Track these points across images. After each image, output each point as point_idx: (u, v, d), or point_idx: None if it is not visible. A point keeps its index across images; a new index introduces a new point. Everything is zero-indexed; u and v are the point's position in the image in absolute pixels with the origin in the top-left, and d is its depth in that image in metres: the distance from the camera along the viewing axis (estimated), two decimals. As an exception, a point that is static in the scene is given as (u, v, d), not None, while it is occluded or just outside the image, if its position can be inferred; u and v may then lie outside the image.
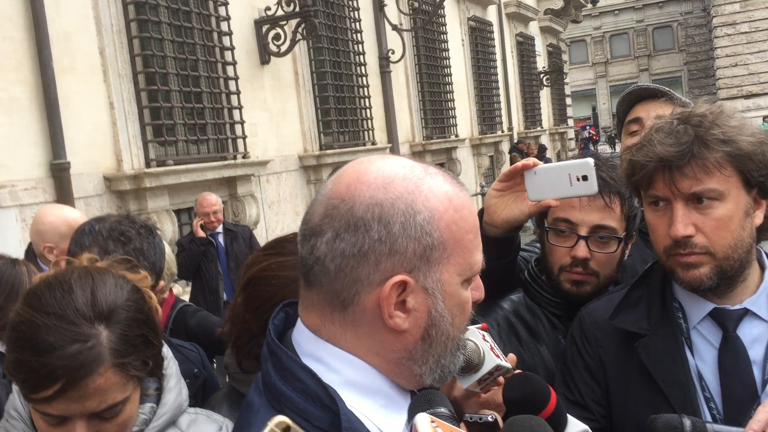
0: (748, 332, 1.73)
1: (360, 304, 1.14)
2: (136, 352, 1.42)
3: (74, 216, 3.62)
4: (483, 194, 14.34)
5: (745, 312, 1.75)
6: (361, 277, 1.12)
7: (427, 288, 1.14)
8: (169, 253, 3.40)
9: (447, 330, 1.17)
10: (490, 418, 1.46)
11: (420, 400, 1.15)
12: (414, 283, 1.12)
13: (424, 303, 1.14)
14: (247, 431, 1.17)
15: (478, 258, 1.21)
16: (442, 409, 1.13)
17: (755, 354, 1.71)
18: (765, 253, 1.85)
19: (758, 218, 1.74)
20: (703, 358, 1.75)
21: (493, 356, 1.54)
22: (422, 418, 1.00)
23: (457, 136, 15.51)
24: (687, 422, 1.48)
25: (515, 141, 18.71)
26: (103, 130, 7.08)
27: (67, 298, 1.38)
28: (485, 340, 1.56)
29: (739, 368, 1.70)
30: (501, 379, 1.60)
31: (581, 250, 2.08)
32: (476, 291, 1.26)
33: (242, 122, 8.89)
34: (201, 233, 6.95)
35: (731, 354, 1.72)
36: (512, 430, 1.14)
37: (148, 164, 7.47)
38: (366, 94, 11.92)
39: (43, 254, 3.59)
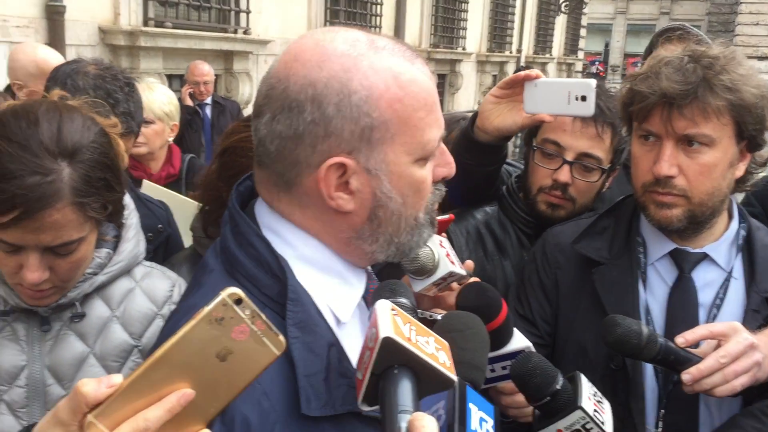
0: (702, 276, 1.77)
1: (302, 185, 1.12)
2: (96, 194, 1.40)
3: (45, 57, 3.56)
4: (479, 112, 14.16)
5: (704, 257, 1.77)
6: (300, 159, 1.10)
7: (369, 169, 1.11)
8: (175, 103, 3.39)
9: (398, 210, 1.15)
10: (438, 317, 1.49)
11: (384, 288, 1.16)
12: (355, 165, 1.10)
13: (368, 184, 1.12)
14: (198, 290, 1.19)
15: (433, 136, 1.16)
16: (404, 300, 1.14)
17: (705, 297, 1.75)
18: (736, 203, 1.86)
19: (740, 170, 1.75)
20: (654, 294, 1.79)
21: (447, 262, 1.55)
22: (383, 305, 1.00)
23: (464, 49, 15.20)
24: (644, 330, 1.53)
25: (522, 64, 18.38)
26: (103, -21, 6.84)
27: (32, 129, 1.35)
28: (442, 246, 1.57)
29: (687, 309, 1.74)
30: (455, 284, 1.63)
31: (563, 175, 2.08)
32: (443, 167, 1.22)
33: (249, -4, 8.62)
34: (189, 101, 6.84)
35: (682, 294, 1.75)
36: (449, 321, 1.17)
37: (145, 22, 7.27)
38: (380, -12, 11.57)
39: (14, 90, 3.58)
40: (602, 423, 1.26)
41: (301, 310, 1.09)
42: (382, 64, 1.10)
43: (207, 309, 0.87)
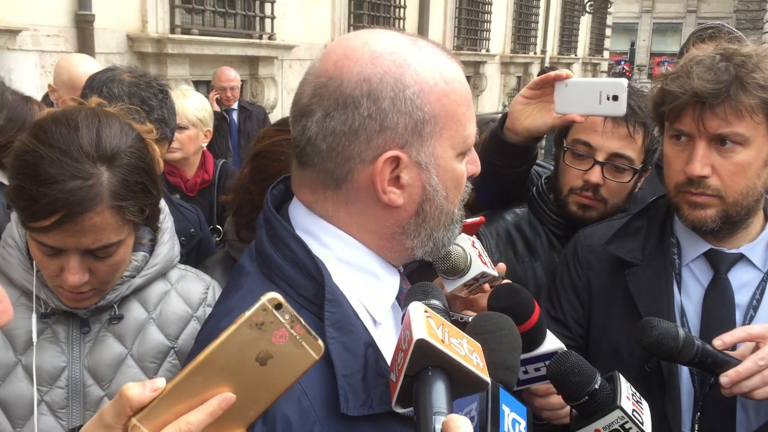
0: (738, 277, 1.74)
1: (353, 181, 1.14)
2: (134, 198, 1.43)
3: (79, 72, 3.63)
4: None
5: (740, 257, 1.75)
6: (354, 155, 1.12)
7: (420, 163, 1.13)
8: (209, 110, 3.46)
9: (441, 204, 1.17)
10: (470, 319, 1.49)
11: (416, 290, 1.17)
12: (407, 159, 1.12)
13: (418, 178, 1.14)
14: (235, 293, 1.20)
15: (472, 131, 1.20)
16: (436, 302, 1.15)
17: (741, 299, 1.73)
18: (773, 202, 1.83)
19: None
20: (690, 296, 1.77)
21: (480, 263, 1.55)
22: (416, 307, 1.01)
23: (488, 50, 15.16)
24: (681, 332, 1.52)
25: (546, 65, 18.27)
26: (131, -13, 6.94)
27: (72, 135, 1.39)
28: (474, 246, 1.57)
29: (723, 310, 1.72)
30: (486, 286, 1.62)
31: (595, 175, 2.06)
32: (472, 165, 1.25)
33: (273, 1, 8.68)
34: (216, 107, 6.91)
35: (718, 295, 1.73)
36: (480, 323, 1.17)
37: (172, 30, 7.36)
38: (403, -10, 11.59)
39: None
40: (641, 423, 1.25)
41: (338, 311, 1.10)
42: (428, 61, 1.14)
43: (247, 314, 0.87)
